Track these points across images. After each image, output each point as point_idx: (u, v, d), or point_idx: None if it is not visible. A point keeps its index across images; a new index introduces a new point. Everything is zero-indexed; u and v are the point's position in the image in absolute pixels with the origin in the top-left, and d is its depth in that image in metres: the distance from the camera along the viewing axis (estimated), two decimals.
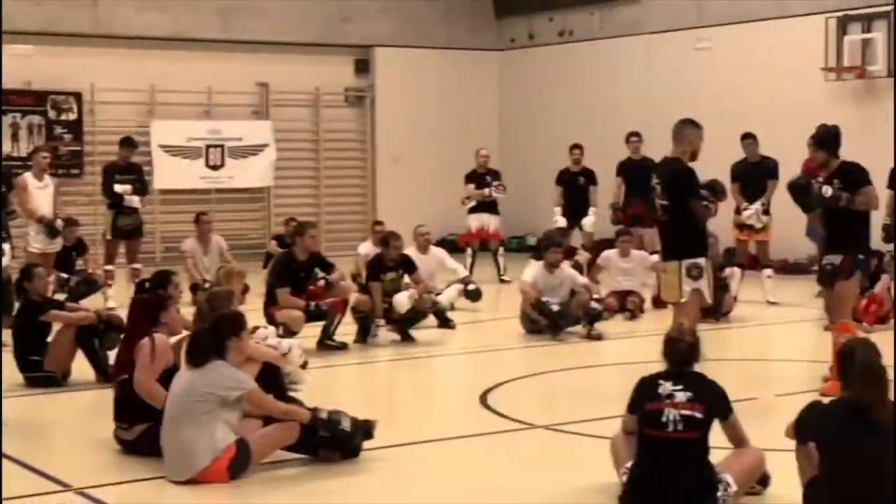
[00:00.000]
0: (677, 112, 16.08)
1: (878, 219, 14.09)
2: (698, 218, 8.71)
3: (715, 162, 15.77)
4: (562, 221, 16.65)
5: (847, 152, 9.44)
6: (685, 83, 19.74)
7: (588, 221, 16.74)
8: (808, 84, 17.95)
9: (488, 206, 17.59)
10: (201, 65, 20.61)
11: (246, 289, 11.42)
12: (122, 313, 10.48)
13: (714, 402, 6.13)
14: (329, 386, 9.76)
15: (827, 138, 9.32)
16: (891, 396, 5.62)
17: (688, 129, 8.89)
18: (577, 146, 17.22)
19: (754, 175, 14.70)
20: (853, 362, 5.64)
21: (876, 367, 5.61)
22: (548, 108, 22.22)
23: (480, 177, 17.65)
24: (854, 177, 9.12)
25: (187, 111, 20.61)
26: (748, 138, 14.99)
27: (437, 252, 14.50)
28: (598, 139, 19.20)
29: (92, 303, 12.83)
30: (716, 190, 8.94)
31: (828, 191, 9.02)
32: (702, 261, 8.74)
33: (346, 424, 7.26)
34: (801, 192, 9.30)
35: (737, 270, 14.30)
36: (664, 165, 9.07)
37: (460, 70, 22.80)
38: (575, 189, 16.91)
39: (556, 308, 12.30)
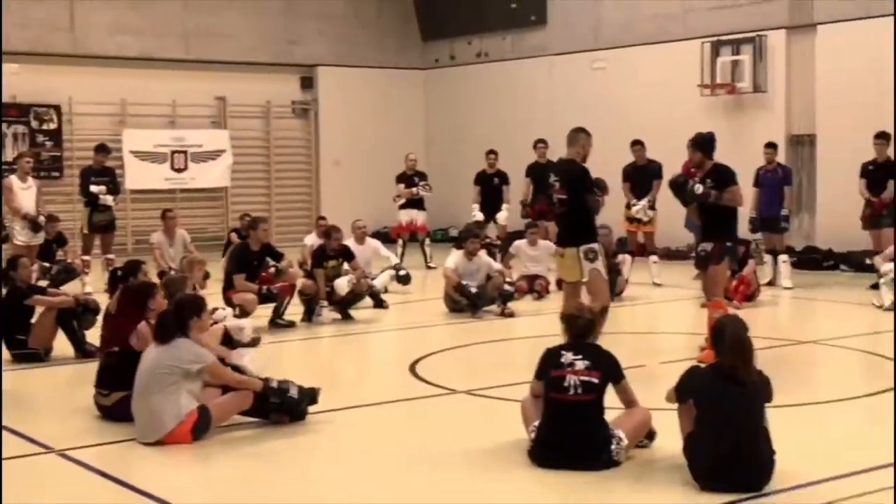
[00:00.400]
0: (577, 122, 16.24)
1: (746, 213, 14.40)
2: (591, 209, 8.80)
3: (608, 164, 16.00)
4: (479, 216, 16.67)
5: (720, 156, 9.55)
6: (584, 98, 19.83)
7: (502, 216, 16.79)
8: (686, 99, 18.11)
9: (416, 203, 17.57)
10: (167, 81, 20.35)
11: (206, 275, 11.29)
12: (98, 297, 10.40)
13: (608, 369, 6.18)
14: (279, 359, 9.68)
15: (703, 141, 9.44)
16: (755, 363, 5.70)
17: (581, 135, 8.95)
18: (491, 151, 17.26)
19: (642, 176, 14.83)
20: (724, 335, 5.73)
21: (743, 338, 5.70)
22: (467, 118, 22.24)
23: (409, 178, 17.62)
24: (723, 177, 9.24)
25: (155, 121, 20.35)
26: (637, 144, 15.10)
27: (373, 242, 14.45)
28: (511, 145, 19.25)
29: (71, 288, 12.61)
30: (601, 186, 9.08)
31: (699, 188, 9.16)
32: (595, 245, 8.84)
33: (293, 392, 7.21)
34: (679, 188, 9.41)
35: (627, 257, 14.40)
36: (561, 165, 9.14)
37: (391, 86, 22.74)
38: (490, 188, 16.95)
39: (474, 290, 12.34)
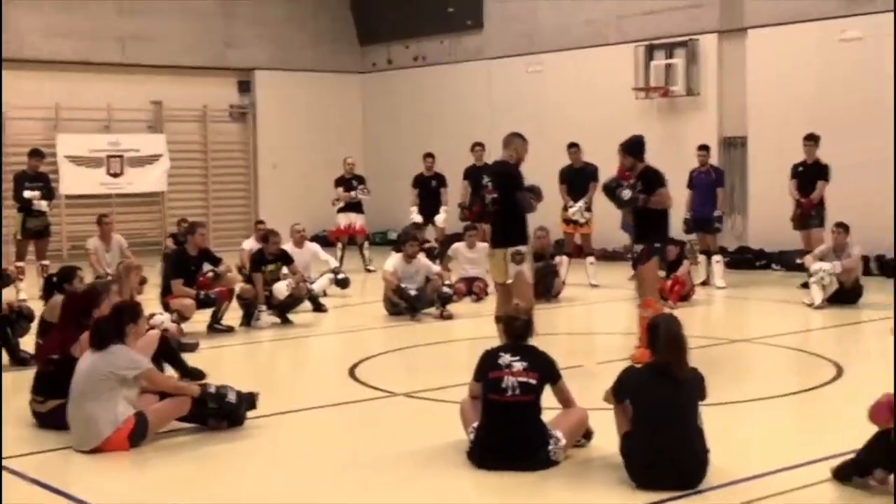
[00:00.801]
0: (514, 125, 16.29)
1: (680, 214, 14.56)
2: (523, 208, 8.77)
3: (545, 167, 16.08)
4: (417, 218, 16.67)
5: (654, 158, 9.65)
6: (521, 101, 19.94)
7: (440, 218, 16.82)
8: (621, 102, 18.26)
9: (355, 206, 17.51)
10: (102, 85, 20.09)
11: (143, 281, 11.15)
12: (33, 304, 10.22)
13: (546, 370, 6.21)
14: (218, 364, 9.59)
15: (632, 146, 9.54)
16: (688, 360, 5.76)
17: (516, 139, 8.98)
18: (429, 154, 17.28)
19: (578, 178, 14.91)
20: (658, 332, 5.78)
21: (677, 334, 5.75)
22: (405, 122, 22.23)
23: (347, 181, 17.56)
24: (652, 180, 9.36)
25: (90, 126, 20.06)
26: (573, 147, 15.18)
27: (311, 246, 14.37)
28: (448, 148, 19.27)
29: (5, 296, 12.36)
30: (535, 191, 9.01)
31: (627, 194, 9.26)
32: (523, 248, 8.84)
33: (231, 397, 7.15)
34: (611, 193, 9.50)
35: (565, 258, 14.51)
36: (494, 166, 9.19)
37: (329, 90, 22.67)
38: (428, 191, 16.96)
39: (413, 293, 12.34)
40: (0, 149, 17.69)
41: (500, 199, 8.77)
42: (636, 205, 9.25)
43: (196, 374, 8.41)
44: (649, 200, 9.25)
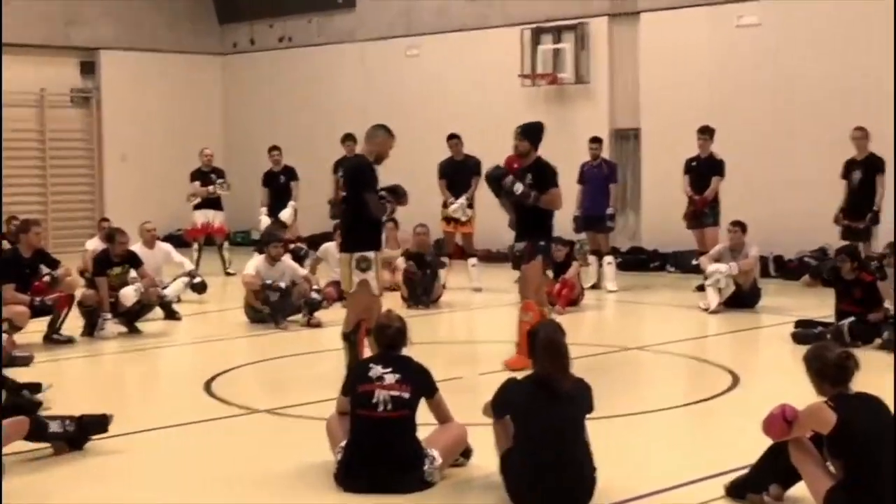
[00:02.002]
0: (390, 114, 16.35)
1: (569, 211, 14.75)
2: (372, 210, 8.53)
3: (424, 160, 16.17)
4: (265, 221, 16.50)
5: (542, 150, 9.74)
6: (397, 88, 19.97)
7: (285, 213, 16.60)
8: (506, 89, 18.43)
9: (213, 202, 17.32)
10: None
11: None
12: None
13: (420, 382, 6.21)
14: (57, 380, 9.34)
15: (532, 130, 9.64)
16: (571, 370, 5.82)
17: (380, 133, 8.78)
18: (275, 148, 17.20)
19: (459, 172, 14.96)
20: (538, 340, 5.83)
21: (556, 343, 5.80)
22: (269, 109, 22.06)
23: (205, 175, 17.35)
24: (545, 176, 9.44)
25: None
26: (453, 138, 15.24)
27: (164, 247, 14.17)
28: (318, 139, 19.19)
29: None
30: (398, 193, 8.79)
31: (519, 188, 9.31)
32: (371, 254, 8.60)
33: (56, 427, 6.99)
34: (495, 182, 9.53)
35: (445, 260, 14.56)
36: (348, 161, 9.13)
37: (185, 73, 22.36)
38: (278, 187, 16.88)
39: (277, 298, 12.24)
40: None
41: (348, 198, 8.67)
42: (527, 202, 9.31)
43: (32, 391, 8.18)
44: (540, 199, 9.33)
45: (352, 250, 8.64)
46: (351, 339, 8.72)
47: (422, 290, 13.63)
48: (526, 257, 9.46)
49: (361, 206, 8.54)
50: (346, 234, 8.82)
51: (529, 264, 9.48)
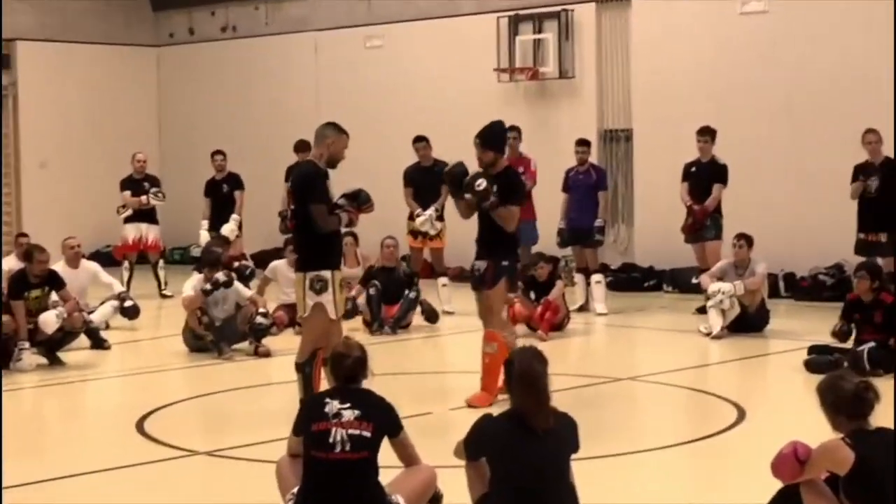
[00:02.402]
0: (348, 113, 16.33)
1: (553, 222, 14.80)
2: (318, 223, 8.47)
3: (387, 165, 16.17)
4: (205, 236, 16.47)
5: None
6: (357, 84, 19.97)
7: (227, 228, 16.59)
8: (481, 85, 18.48)
9: (146, 214, 17.28)
10: None
11: None
12: None
13: (383, 419, 6.17)
14: None
15: (491, 136, 9.56)
16: (550, 402, 5.81)
17: (329, 132, 8.72)
18: (218, 152, 17.22)
19: (427, 179, 14.87)
20: (514, 371, 5.81)
21: (534, 374, 5.78)
22: (211, 109, 22.02)
23: (137, 183, 17.31)
24: (511, 187, 9.42)
25: None
26: (420, 141, 15.24)
27: (90, 266, 14.11)
28: (268, 143, 19.20)
29: None
30: (359, 199, 8.72)
31: (482, 184, 9.25)
32: (327, 273, 8.54)
33: None
34: (457, 179, 9.45)
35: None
36: (296, 168, 9.11)
37: (114, 67, 22.31)
38: (221, 197, 16.86)
39: (220, 323, 12.21)
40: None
41: (297, 211, 8.64)
42: (483, 204, 9.26)
43: None
44: (497, 208, 9.29)
45: (305, 269, 8.61)
46: (305, 370, 8.69)
47: (402, 313, 13.65)
48: (487, 280, 9.41)
49: (311, 219, 8.52)
50: (299, 251, 8.81)
51: (492, 290, 9.45)
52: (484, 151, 9.49)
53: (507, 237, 9.46)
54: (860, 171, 13.60)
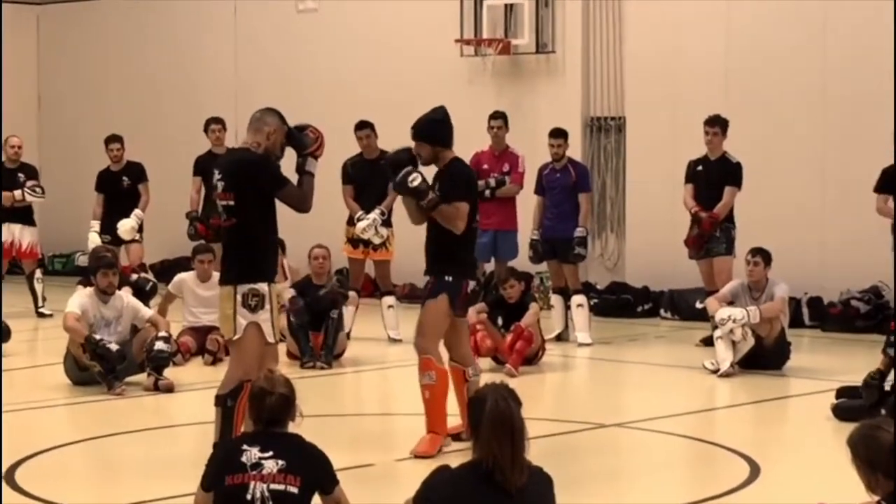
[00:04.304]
0: (275, 94, 16.32)
1: (525, 230, 14.83)
2: (301, 205, 8.61)
3: (322, 158, 16.14)
4: (95, 239, 16.41)
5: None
6: (285, 57, 19.98)
7: (126, 225, 16.56)
8: (440, 60, 18.56)
9: (20, 213, 17.24)
10: None
11: None
12: None
13: (314, 471, 6.18)
14: None
15: (428, 128, 9.62)
16: (525, 453, 5.82)
17: (271, 120, 8.73)
18: (114, 138, 17.14)
19: (371, 176, 14.80)
20: (483, 413, 5.80)
21: (508, 417, 5.78)
22: (105, 85, 21.96)
23: (10, 174, 17.25)
24: (453, 182, 9.49)
25: None
26: (364, 128, 15.17)
27: None
28: (170, 124, 19.15)
29: None
30: (305, 143, 8.72)
31: (416, 180, 9.29)
32: (263, 286, 8.55)
33: None
34: (395, 166, 9.48)
35: (354, 296, 14.52)
36: (228, 156, 9.13)
37: None
38: (118, 193, 16.79)
39: (114, 348, 12.11)
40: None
41: (235, 208, 8.63)
42: (424, 202, 9.29)
43: None
44: (437, 207, 9.33)
45: (237, 281, 8.59)
46: (227, 403, 8.60)
47: (331, 340, 13.59)
48: (423, 294, 9.48)
49: (253, 219, 8.52)
50: (230, 259, 8.77)
51: (428, 306, 9.51)
52: (420, 145, 9.57)
53: (455, 249, 9.50)
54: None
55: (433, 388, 9.48)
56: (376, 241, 14.92)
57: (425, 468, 6.22)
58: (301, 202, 8.65)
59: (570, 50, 18.10)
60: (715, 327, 13.12)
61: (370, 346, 14.53)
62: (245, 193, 8.58)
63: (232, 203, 8.62)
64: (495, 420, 5.74)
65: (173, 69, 21.22)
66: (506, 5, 18.31)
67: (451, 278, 9.52)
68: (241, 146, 8.98)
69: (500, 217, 15.02)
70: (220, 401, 8.62)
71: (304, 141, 8.76)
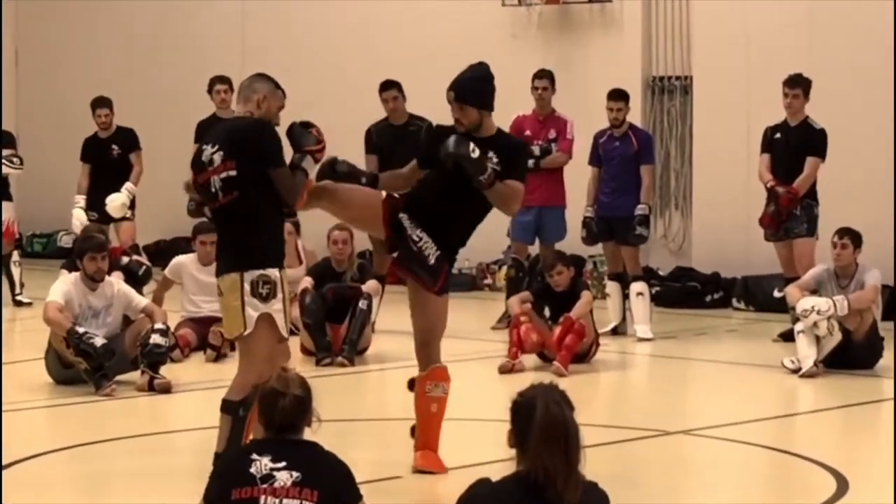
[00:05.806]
0: (291, 53, 16.32)
1: (577, 210, 14.82)
2: (289, 193, 8.59)
3: (343, 122, 16.17)
4: (80, 216, 16.50)
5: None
6: (298, 13, 19.92)
7: (116, 200, 16.66)
8: (478, 9, 18.61)
9: None
10: None
11: None
12: None
13: (333, 485, 6.20)
14: None
15: (475, 87, 9.45)
16: (580, 465, 5.83)
17: (260, 85, 8.78)
18: (101, 102, 17.22)
19: (399, 143, 14.71)
20: (533, 419, 5.80)
21: (562, 423, 5.78)
22: (92, 41, 22.04)
23: None
24: (516, 159, 9.40)
25: None
26: (390, 89, 15.22)
27: None
28: (167, 84, 19.17)
29: None
30: (304, 140, 8.76)
31: (475, 150, 9.07)
32: (274, 272, 8.55)
33: None
34: (458, 146, 9.34)
35: (374, 283, 14.54)
36: (228, 125, 9.16)
37: None
38: (107, 163, 16.84)
39: (100, 343, 12.16)
40: None
41: (236, 179, 8.60)
42: (482, 177, 9.13)
43: None
44: (494, 185, 9.16)
45: (244, 268, 8.56)
46: (239, 412, 8.58)
47: (355, 333, 13.63)
48: (437, 279, 9.32)
49: (260, 194, 8.49)
50: (233, 241, 8.74)
51: (434, 302, 9.45)
52: (461, 109, 9.37)
53: (469, 232, 9.49)
54: None
55: (443, 402, 9.46)
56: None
57: (461, 480, 6.22)
58: (291, 191, 8.60)
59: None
60: (796, 320, 13.10)
61: (396, 341, 14.47)
62: (248, 161, 8.54)
63: (234, 173, 8.54)
64: (547, 427, 5.72)
65: (172, 22, 21.24)
66: None
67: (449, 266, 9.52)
68: (240, 115, 8.94)
69: (546, 192, 15.00)
70: (231, 408, 8.56)
71: (306, 137, 8.76)
